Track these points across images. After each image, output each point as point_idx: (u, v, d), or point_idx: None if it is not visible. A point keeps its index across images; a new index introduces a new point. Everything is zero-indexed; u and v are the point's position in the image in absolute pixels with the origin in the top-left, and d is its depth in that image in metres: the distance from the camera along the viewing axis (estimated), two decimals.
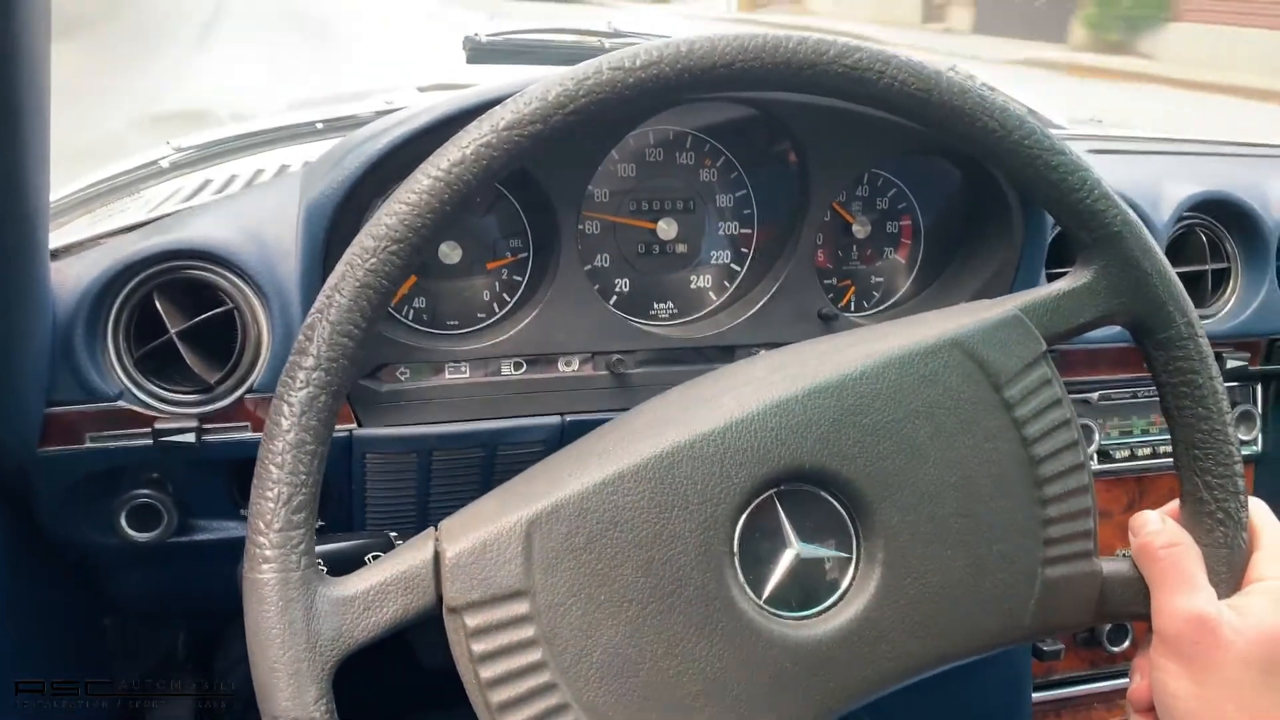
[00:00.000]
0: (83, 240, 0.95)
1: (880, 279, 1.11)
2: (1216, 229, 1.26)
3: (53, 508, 0.95)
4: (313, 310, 0.59)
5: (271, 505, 0.57)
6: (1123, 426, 1.29)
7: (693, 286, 1.05)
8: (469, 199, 0.60)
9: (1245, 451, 1.33)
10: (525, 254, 0.99)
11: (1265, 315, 1.25)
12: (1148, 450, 1.30)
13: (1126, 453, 1.29)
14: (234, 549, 0.78)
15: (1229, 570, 0.68)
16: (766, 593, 0.64)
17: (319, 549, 0.60)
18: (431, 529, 0.63)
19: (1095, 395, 1.25)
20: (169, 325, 0.88)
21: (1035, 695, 1.36)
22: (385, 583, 0.59)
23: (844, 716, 0.65)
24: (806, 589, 0.65)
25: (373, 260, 0.59)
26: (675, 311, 1.05)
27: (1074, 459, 0.68)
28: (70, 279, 0.88)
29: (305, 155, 1.20)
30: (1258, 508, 0.71)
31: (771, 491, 0.65)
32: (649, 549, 0.61)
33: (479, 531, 0.61)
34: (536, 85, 0.61)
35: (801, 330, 1.01)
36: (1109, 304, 0.69)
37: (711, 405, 0.66)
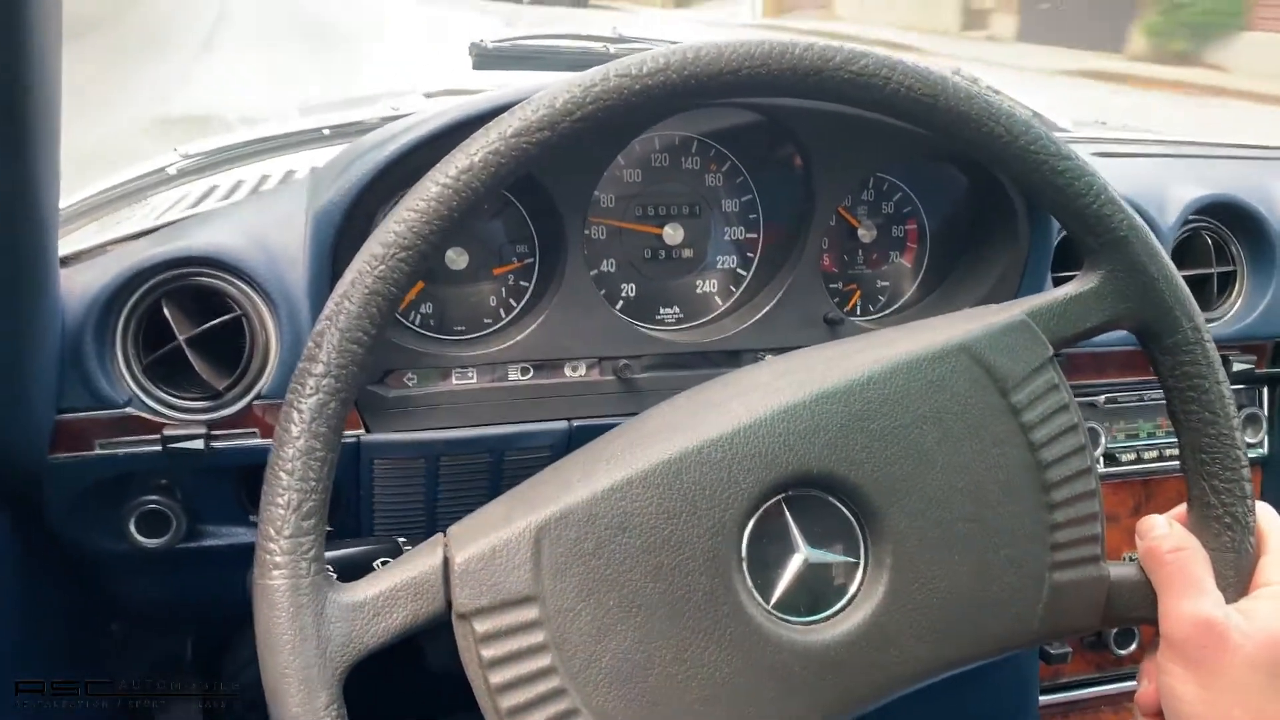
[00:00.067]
0: (91, 247, 0.95)
1: (886, 283, 1.12)
2: (1222, 232, 1.26)
3: (62, 514, 0.95)
4: (322, 317, 0.59)
5: (282, 512, 0.57)
6: (1129, 430, 1.28)
7: (698, 291, 1.05)
8: (477, 206, 0.61)
9: (1251, 454, 1.33)
10: (532, 259, 1.00)
11: (1271, 318, 1.25)
12: (1154, 453, 1.30)
13: (1132, 456, 1.29)
14: (242, 554, 0.78)
15: (1236, 574, 0.68)
16: (775, 598, 0.64)
17: (328, 555, 0.60)
18: (440, 535, 0.63)
19: (1101, 398, 1.25)
20: (177, 332, 0.89)
21: (1042, 698, 1.36)
22: (395, 588, 0.60)
23: None
24: (815, 594, 0.65)
25: (381, 267, 0.59)
26: (681, 316, 1.05)
27: (1081, 464, 0.68)
28: (79, 286, 0.88)
29: (312, 161, 1.20)
30: (1265, 512, 0.71)
31: (779, 497, 0.65)
32: (657, 554, 0.62)
33: (488, 537, 0.61)
34: (544, 92, 0.61)
35: (807, 335, 1.01)
36: (1115, 309, 0.69)
37: (719, 411, 0.66)
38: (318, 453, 0.58)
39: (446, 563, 0.60)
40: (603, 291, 0.99)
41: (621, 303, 1.02)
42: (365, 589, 0.60)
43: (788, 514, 0.65)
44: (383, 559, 0.83)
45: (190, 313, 0.91)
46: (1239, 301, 1.26)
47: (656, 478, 0.62)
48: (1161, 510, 0.72)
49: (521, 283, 1.00)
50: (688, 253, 1.04)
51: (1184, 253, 1.24)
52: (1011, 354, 0.68)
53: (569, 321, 0.96)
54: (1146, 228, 0.69)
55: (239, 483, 1.00)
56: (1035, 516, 0.67)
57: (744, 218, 1.05)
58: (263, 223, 0.93)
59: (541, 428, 0.97)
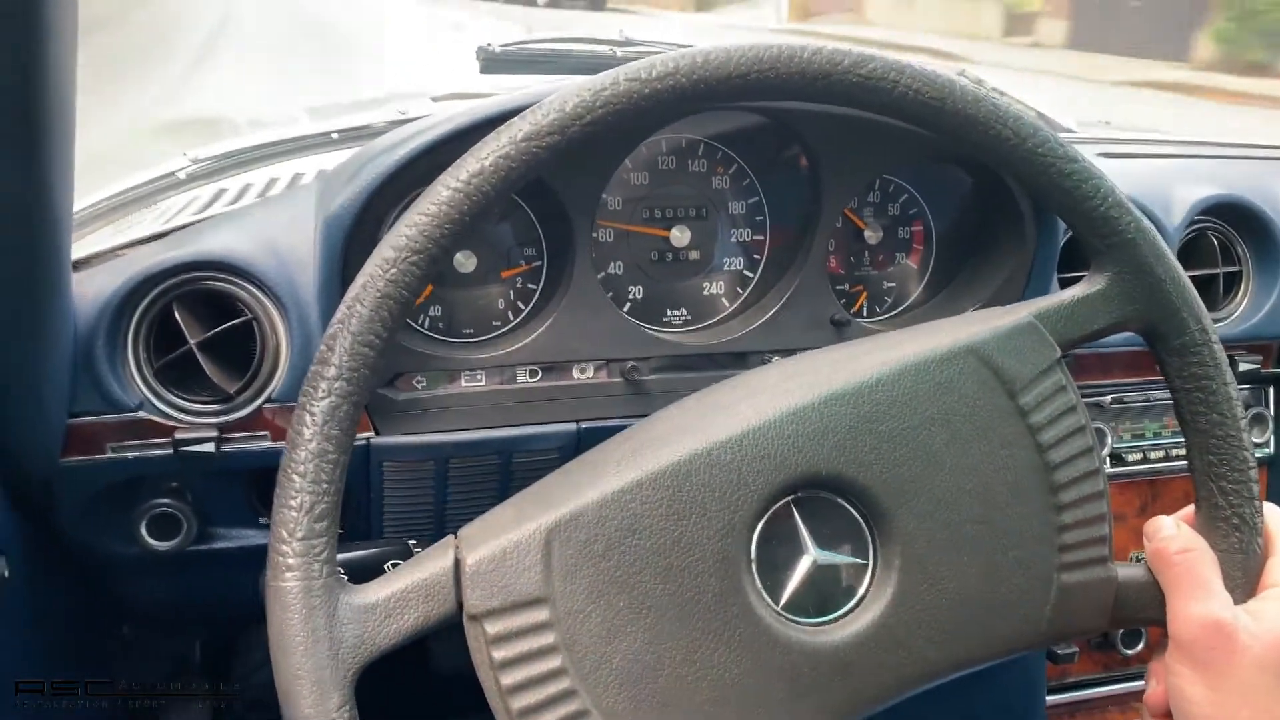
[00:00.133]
0: (102, 252, 0.96)
1: (892, 284, 1.12)
2: (1228, 232, 1.26)
3: (74, 517, 0.96)
4: (334, 321, 0.60)
5: (294, 514, 0.58)
6: (1135, 430, 1.29)
7: (705, 293, 1.06)
8: (488, 210, 0.61)
9: (1258, 454, 1.33)
10: (539, 262, 1.00)
11: (1277, 318, 1.25)
12: (1160, 453, 1.30)
13: (1139, 456, 1.29)
14: (253, 556, 0.79)
15: (1244, 575, 0.68)
16: (784, 599, 0.64)
17: (339, 557, 0.60)
18: (451, 536, 0.64)
19: (1108, 399, 1.25)
20: (188, 336, 0.89)
21: (1049, 698, 1.36)
22: (406, 590, 0.60)
23: None
24: (824, 595, 0.65)
25: (393, 271, 0.59)
26: (689, 318, 1.05)
27: (1089, 465, 0.68)
28: (91, 291, 0.88)
29: (319, 165, 1.21)
30: (1273, 513, 0.71)
31: (788, 498, 0.65)
32: (667, 556, 0.62)
33: (499, 539, 0.61)
34: (554, 96, 0.61)
35: (814, 336, 1.02)
36: (1123, 311, 0.69)
37: (728, 413, 0.67)
38: (330, 455, 0.59)
39: (458, 564, 0.61)
40: (610, 294, 1.00)
41: (629, 305, 1.03)
42: (377, 591, 0.60)
43: (796, 516, 0.65)
44: (393, 561, 0.84)
45: (201, 316, 0.91)
46: (1245, 301, 1.27)
47: (666, 480, 0.63)
48: (1168, 510, 0.73)
49: (529, 285, 1.00)
50: (695, 255, 1.04)
51: (1190, 253, 1.24)
52: (1019, 356, 0.68)
53: (577, 324, 0.96)
54: (1154, 230, 0.69)
55: (249, 485, 1.00)
56: (1043, 518, 0.67)
57: (751, 220, 1.05)
58: (273, 227, 0.94)
59: (550, 430, 0.98)
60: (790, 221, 1.05)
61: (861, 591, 0.66)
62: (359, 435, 0.92)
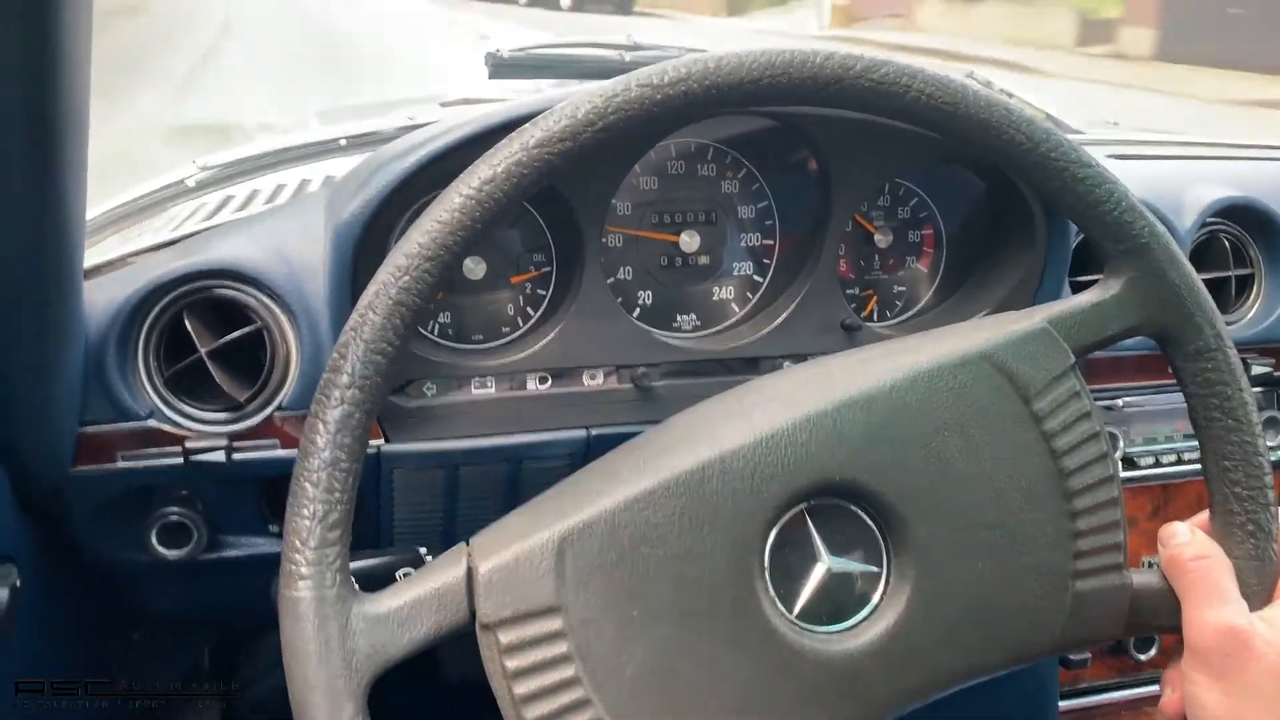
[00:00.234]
0: (112, 260, 0.96)
1: (903, 288, 1.11)
2: (1239, 234, 1.25)
3: (85, 526, 0.96)
4: (346, 328, 0.60)
5: (307, 523, 0.58)
6: (1147, 434, 1.28)
7: (715, 298, 1.05)
8: (500, 216, 0.61)
9: (1272, 458, 1.33)
10: (549, 268, 1.00)
11: None
12: (1173, 457, 1.29)
13: (1151, 460, 1.29)
14: (263, 564, 0.79)
15: (1260, 582, 0.68)
16: (798, 607, 0.64)
17: (351, 565, 0.60)
18: (463, 545, 0.64)
19: (1120, 402, 1.25)
20: (199, 344, 0.89)
21: (1062, 704, 1.35)
22: (419, 599, 0.60)
23: None
24: (837, 603, 0.65)
25: (406, 278, 0.59)
26: (698, 324, 1.05)
27: (1103, 471, 0.68)
28: (101, 299, 0.88)
29: (328, 171, 1.21)
30: None
31: (802, 506, 0.65)
32: (680, 564, 0.62)
33: (511, 548, 0.61)
34: (566, 103, 0.61)
35: (825, 341, 1.01)
36: (1137, 316, 0.69)
37: (741, 419, 0.66)
38: (342, 464, 0.59)
39: (470, 573, 0.61)
40: (620, 299, 1.00)
41: (639, 310, 1.02)
42: (390, 600, 0.60)
43: (810, 523, 0.65)
44: (405, 569, 0.84)
45: (211, 325, 0.91)
46: (1257, 304, 1.26)
47: (678, 488, 0.63)
48: (1180, 515, 0.72)
49: (539, 291, 1.00)
50: (704, 260, 1.04)
51: (1201, 255, 1.24)
52: (1033, 362, 0.68)
53: (586, 330, 0.96)
54: (1167, 234, 0.69)
55: (260, 494, 1.00)
56: (1058, 524, 0.67)
57: (760, 224, 1.05)
58: (282, 234, 0.94)
59: (560, 436, 0.98)
60: (800, 225, 1.05)
61: (875, 599, 0.66)
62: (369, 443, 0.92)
